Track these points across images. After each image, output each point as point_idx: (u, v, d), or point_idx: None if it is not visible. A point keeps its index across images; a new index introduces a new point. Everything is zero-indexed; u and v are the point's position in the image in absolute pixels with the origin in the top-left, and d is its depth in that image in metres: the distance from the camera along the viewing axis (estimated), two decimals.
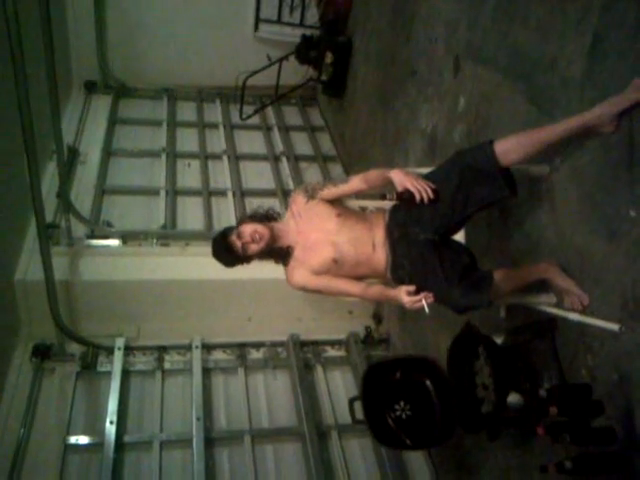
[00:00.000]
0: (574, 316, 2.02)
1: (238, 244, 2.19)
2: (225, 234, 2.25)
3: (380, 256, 2.22)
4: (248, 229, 2.20)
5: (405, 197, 2.01)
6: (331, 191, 2.28)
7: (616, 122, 1.85)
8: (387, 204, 2.27)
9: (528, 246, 2.36)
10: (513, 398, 2.07)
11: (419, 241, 2.11)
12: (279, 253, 2.29)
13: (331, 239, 2.22)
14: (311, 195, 2.29)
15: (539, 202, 2.28)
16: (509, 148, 1.93)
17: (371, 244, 2.22)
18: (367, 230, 2.25)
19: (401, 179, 2.02)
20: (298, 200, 2.31)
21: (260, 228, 2.20)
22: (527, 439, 2.33)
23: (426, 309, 1.91)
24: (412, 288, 1.98)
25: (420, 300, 1.92)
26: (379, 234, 2.23)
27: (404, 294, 1.97)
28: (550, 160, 2.17)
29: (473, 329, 2.23)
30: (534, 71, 2.30)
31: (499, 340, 2.25)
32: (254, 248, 2.19)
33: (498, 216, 2.57)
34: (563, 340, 2.14)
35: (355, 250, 2.21)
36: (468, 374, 2.16)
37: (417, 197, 1.97)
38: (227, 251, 2.22)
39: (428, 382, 2.36)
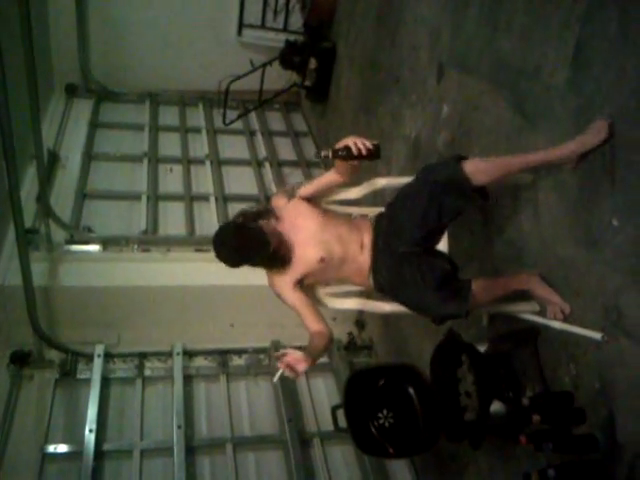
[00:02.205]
0: (557, 324, 2.03)
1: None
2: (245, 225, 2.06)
3: (366, 258, 2.19)
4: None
5: (341, 153, 1.98)
6: (309, 186, 2.26)
7: (576, 161, 1.97)
8: (371, 211, 2.28)
9: (511, 254, 2.37)
10: (496, 406, 2.07)
11: (398, 253, 2.11)
12: (281, 257, 2.13)
13: (317, 238, 2.15)
14: (291, 194, 2.25)
15: (522, 211, 2.29)
16: (479, 169, 1.95)
17: (359, 244, 2.19)
18: (354, 230, 2.22)
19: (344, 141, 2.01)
20: (279, 202, 2.24)
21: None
22: (510, 447, 2.33)
23: (276, 379, 1.98)
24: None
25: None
26: (367, 236, 2.21)
27: (297, 360, 1.91)
28: (533, 169, 2.18)
29: (456, 337, 2.23)
30: (518, 79, 2.31)
31: (482, 348, 2.25)
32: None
33: (481, 225, 2.58)
34: (546, 349, 2.14)
35: (342, 248, 2.17)
36: (451, 382, 2.16)
37: (354, 149, 1.95)
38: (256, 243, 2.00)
39: (411, 390, 2.35)
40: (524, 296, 2.17)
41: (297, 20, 5.26)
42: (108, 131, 5.09)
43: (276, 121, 5.67)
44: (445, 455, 2.94)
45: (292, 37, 5.07)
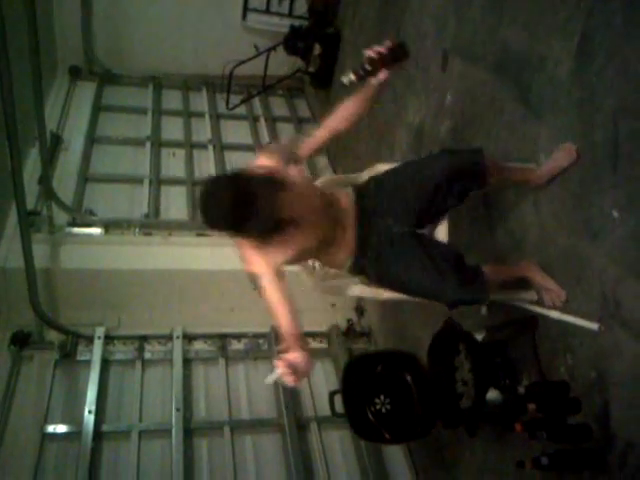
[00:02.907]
0: (554, 314, 2.04)
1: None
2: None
3: (349, 239, 2.00)
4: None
5: (367, 68, 1.73)
6: (308, 144, 1.91)
7: (546, 182, 2.08)
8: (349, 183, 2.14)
9: (511, 244, 2.37)
10: (492, 394, 2.09)
11: (394, 233, 2.00)
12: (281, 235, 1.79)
13: (310, 218, 1.86)
14: (289, 154, 1.86)
15: (523, 201, 2.29)
16: (494, 165, 2.00)
17: (338, 223, 1.98)
18: (335, 208, 1.99)
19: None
20: (271, 164, 1.83)
21: None
22: (505, 435, 2.35)
23: (270, 380, 1.72)
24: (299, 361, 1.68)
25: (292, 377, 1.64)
26: (348, 215, 2.00)
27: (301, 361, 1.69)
28: (536, 158, 2.18)
29: (454, 325, 2.24)
30: (522, 69, 2.31)
31: (480, 337, 2.27)
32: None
33: (482, 214, 2.58)
34: (543, 338, 2.15)
35: (328, 232, 1.94)
36: (448, 369, 2.18)
37: (375, 56, 1.73)
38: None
39: (408, 377, 2.36)
40: (522, 285, 2.18)
41: (302, 5, 5.23)
42: (111, 114, 5.08)
43: (279, 107, 5.65)
44: (441, 441, 2.97)
45: (297, 22, 5.05)
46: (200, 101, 5.47)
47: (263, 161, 1.84)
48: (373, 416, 2.38)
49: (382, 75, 1.78)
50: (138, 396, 3.36)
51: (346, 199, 2.05)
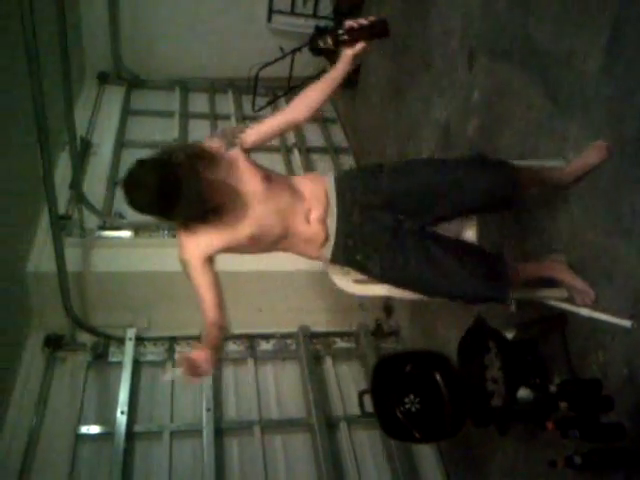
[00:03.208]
0: (585, 312, 2.01)
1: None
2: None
3: (317, 232, 1.91)
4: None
5: (345, 36, 1.72)
6: (256, 130, 1.85)
7: (576, 180, 2.06)
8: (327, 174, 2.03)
9: (540, 242, 2.35)
10: (523, 393, 2.06)
11: (406, 229, 1.93)
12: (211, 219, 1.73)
13: (251, 208, 1.78)
14: (231, 141, 1.81)
15: (553, 198, 2.26)
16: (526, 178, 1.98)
17: (304, 217, 1.89)
18: (298, 197, 1.89)
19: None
20: (215, 148, 1.78)
21: None
22: (536, 434, 2.33)
23: (167, 377, 1.62)
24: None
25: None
26: (318, 208, 1.90)
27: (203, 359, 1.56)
28: (565, 155, 2.16)
29: (483, 323, 2.22)
30: (550, 65, 2.28)
31: (509, 335, 2.25)
32: None
33: (510, 212, 2.55)
34: (574, 336, 2.13)
35: (281, 224, 1.85)
36: (478, 368, 2.16)
37: (355, 25, 1.72)
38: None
39: (438, 376, 2.35)
40: (552, 282, 2.16)
41: (327, 6, 5.23)
42: (139, 118, 5.14)
43: None
44: (471, 440, 2.94)
45: (322, 23, 5.04)
46: (226, 103, 5.49)
47: (209, 144, 1.79)
48: (403, 415, 2.37)
49: (359, 46, 1.76)
50: (169, 396, 3.39)
51: (318, 183, 1.98)
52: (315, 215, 1.90)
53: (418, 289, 2.00)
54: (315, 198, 1.92)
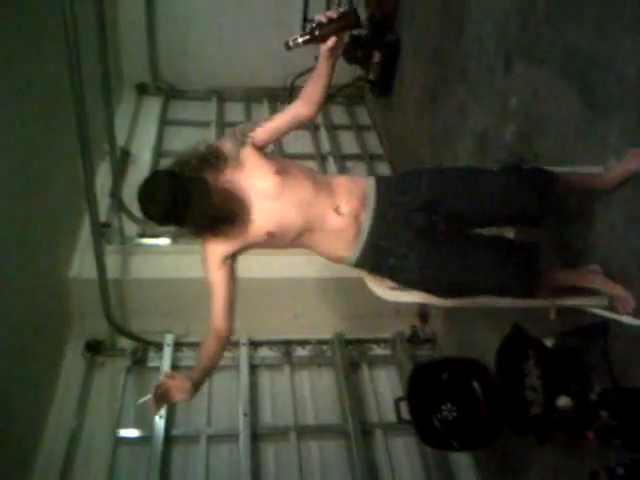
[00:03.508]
0: (627, 319, 1.98)
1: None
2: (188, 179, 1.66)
3: (348, 225, 1.88)
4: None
5: (312, 32, 1.66)
6: (266, 128, 1.83)
7: (616, 186, 2.04)
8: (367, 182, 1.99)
9: (580, 246, 2.32)
10: (562, 401, 2.04)
11: (440, 230, 1.90)
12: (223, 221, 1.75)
13: (268, 203, 1.79)
14: (242, 140, 1.81)
15: (593, 204, 2.23)
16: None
17: (332, 209, 1.86)
18: (326, 192, 1.87)
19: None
20: (226, 148, 1.80)
21: None
22: (577, 443, 2.29)
23: (141, 401, 1.66)
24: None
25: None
26: (351, 201, 1.88)
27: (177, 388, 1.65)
28: (605, 161, 2.13)
29: (522, 331, 2.21)
30: (588, 69, 2.26)
31: (548, 343, 2.22)
32: None
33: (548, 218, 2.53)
34: (616, 344, 2.09)
35: (302, 216, 1.83)
36: (516, 376, 2.14)
37: (323, 19, 1.65)
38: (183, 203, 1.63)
39: (475, 383, 2.34)
40: (592, 290, 2.13)
41: (360, 14, 5.24)
42: (176, 128, 5.22)
43: (340, 115, 5.67)
44: (509, 449, 2.91)
45: (356, 31, 5.06)
46: (262, 112, 5.53)
47: (222, 145, 1.81)
48: (439, 423, 2.37)
49: (330, 42, 1.68)
50: (206, 401, 3.43)
51: (360, 185, 1.95)
52: (347, 207, 1.88)
53: (454, 288, 1.99)
54: (349, 192, 1.90)
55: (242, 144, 1.80)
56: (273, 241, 1.86)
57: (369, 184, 1.97)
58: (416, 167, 2.09)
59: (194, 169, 1.68)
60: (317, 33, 1.66)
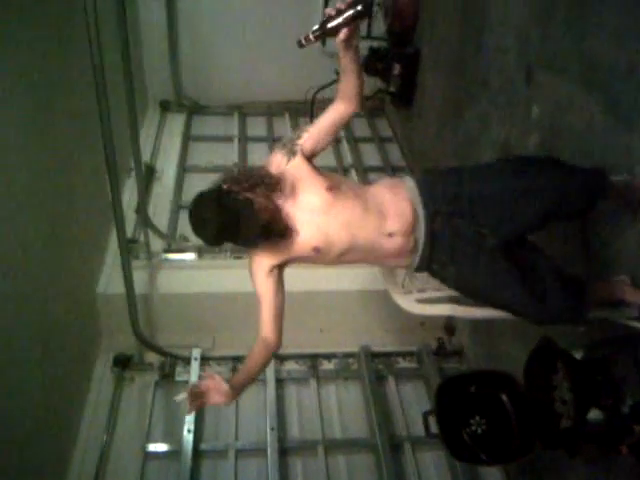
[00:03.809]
0: None
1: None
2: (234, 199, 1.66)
3: (402, 245, 1.89)
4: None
5: (323, 27, 1.62)
6: (311, 132, 1.82)
7: None
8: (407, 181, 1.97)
9: (607, 256, 2.30)
10: (593, 414, 2.01)
11: (488, 244, 1.89)
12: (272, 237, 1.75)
13: (316, 219, 1.79)
14: (291, 150, 1.80)
15: (620, 213, 2.21)
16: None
17: (381, 232, 1.85)
18: (374, 214, 1.85)
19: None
20: (277, 163, 1.80)
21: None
22: (611, 457, 2.26)
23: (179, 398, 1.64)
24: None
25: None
26: (401, 222, 1.87)
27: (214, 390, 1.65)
28: (630, 170, 2.11)
29: (551, 343, 2.18)
30: (610, 79, 2.25)
31: (578, 355, 2.20)
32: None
33: (577, 226, 2.51)
34: None
35: (348, 237, 1.83)
36: (546, 389, 2.12)
37: (332, 12, 1.62)
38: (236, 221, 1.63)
39: (504, 396, 2.32)
40: (622, 300, 2.10)
41: (380, 27, 5.28)
42: (200, 144, 5.29)
43: (361, 127, 5.69)
44: (540, 463, 2.87)
45: (375, 44, 5.09)
46: (283, 127, 5.59)
47: (272, 160, 1.82)
48: (468, 437, 2.35)
49: (342, 34, 1.63)
50: (234, 415, 3.43)
51: (405, 198, 1.92)
52: (397, 229, 1.87)
53: (494, 306, 2.00)
54: (398, 211, 1.88)
55: (292, 153, 1.79)
56: (318, 257, 1.86)
57: (413, 195, 1.92)
58: (453, 166, 2.04)
59: (240, 186, 1.68)
60: (327, 26, 1.62)
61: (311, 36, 1.62)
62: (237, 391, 1.71)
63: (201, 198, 1.70)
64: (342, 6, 1.62)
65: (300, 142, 1.80)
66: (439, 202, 1.91)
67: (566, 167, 2.00)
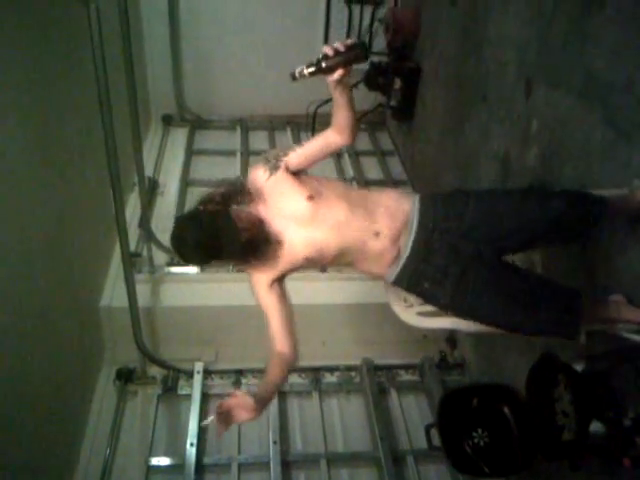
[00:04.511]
0: None
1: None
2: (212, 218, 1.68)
3: (387, 249, 1.89)
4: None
5: (318, 64, 1.63)
6: (298, 153, 1.83)
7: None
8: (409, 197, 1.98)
9: (609, 275, 2.30)
10: (595, 427, 2.02)
11: (483, 260, 1.90)
12: (259, 250, 1.76)
13: (303, 229, 1.81)
14: (274, 166, 1.81)
15: (619, 227, 2.23)
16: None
17: (370, 232, 1.86)
18: (362, 214, 1.86)
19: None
20: (258, 177, 1.81)
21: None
22: (613, 470, 2.25)
23: (206, 422, 1.64)
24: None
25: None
26: (390, 224, 1.88)
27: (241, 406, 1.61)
28: (629, 183, 2.13)
29: (552, 356, 2.19)
30: (609, 93, 2.27)
31: (579, 367, 2.20)
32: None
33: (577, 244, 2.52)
34: None
35: (337, 239, 1.83)
36: (547, 401, 2.13)
37: (329, 52, 1.62)
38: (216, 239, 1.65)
39: (506, 409, 2.33)
40: (618, 320, 2.11)
41: (381, 42, 5.32)
42: (203, 158, 5.32)
43: (362, 141, 5.72)
44: (543, 476, 2.87)
45: (376, 58, 5.13)
46: (285, 140, 5.62)
47: (253, 175, 1.83)
48: (471, 450, 2.35)
49: (336, 74, 1.66)
50: (236, 429, 3.42)
51: (403, 206, 1.94)
52: (388, 231, 1.88)
53: (488, 322, 1.98)
54: (389, 215, 1.89)
55: (275, 169, 1.80)
56: (312, 264, 1.89)
57: (414, 208, 1.94)
58: (461, 189, 2.05)
59: (218, 204, 1.71)
60: (323, 65, 1.63)
61: (305, 72, 1.64)
62: (262, 405, 1.67)
63: (179, 221, 1.72)
64: (341, 48, 1.63)
65: (285, 159, 1.83)
66: (438, 220, 1.91)
67: (567, 197, 2.00)
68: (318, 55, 1.65)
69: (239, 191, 1.79)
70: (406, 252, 1.90)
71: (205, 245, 1.65)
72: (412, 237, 1.90)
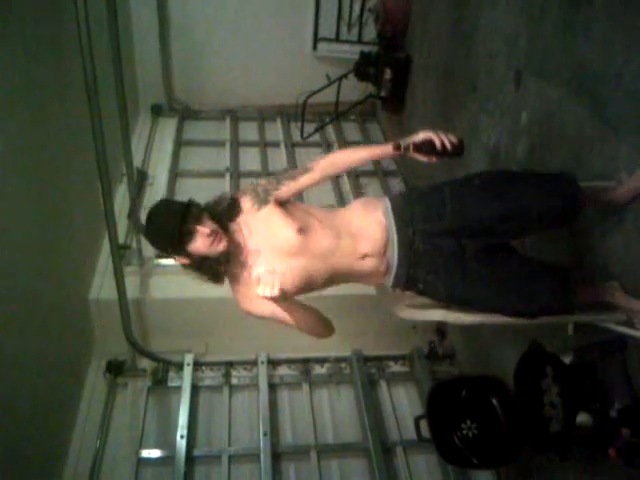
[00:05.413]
0: None
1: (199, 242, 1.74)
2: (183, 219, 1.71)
3: (375, 266, 1.93)
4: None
5: (424, 148, 1.80)
6: (290, 188, 1.86)
7: (630, 201, 2.06)
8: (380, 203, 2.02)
9: (596, 264, 2.32)
10: (582, 418, 2.04)
11: (469, 254, 1.92)
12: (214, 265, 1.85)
13: (291, 263, 1.82)
14: (264, 199, 1.83)
15: (607, 219, 2.24)
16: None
17: (355, 256, 1.90)
18: (346, 239, 1.89)
19: (423, 135, 1.82)
20: (246, 208, 1.85)
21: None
22: (600, 460, 2.28)
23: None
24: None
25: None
26: (371, 243, 1.91)
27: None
28: (617, 176, 2.14)
29: (540, 347, 2.21)
30: (598, 85, 2.27)
31: (567, 359, 2.22)
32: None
33: (564, 234, 2.53)
34: (634, 359, 2.09)
35: (325, 267, 1.87)
36: (535, 393, 2.14)
37: (437, 144, 1.78)
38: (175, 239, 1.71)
39: (495, 401, 2.34)
40: (609, 306, 2.13)
41: (371, 31, 5.31)
42: (192, 148, 5.28)
43: (353, 132, 5.72)
44: (531, 466, 2.89)
45: (367, 48, 5.12)
46: (275, 131, 5.61)
47: (242, 202, 1.86)
48: (460, 441, 2.37)
49: (430, 160, 1.84)
50: (226, 421, 3.45)
51: (377, 219, 1.96)
52: (369, 251, 1.91)
53: (486, 310, 2.01)
54: (368, 234, 1.92)
55: (264, 202, 1.83)
56: (304, 290, 1.89)
57: (387, 215, 1.96)
58: (434, 184, 2.06)
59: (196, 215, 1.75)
60: (427, 149, 1.81)
61: (410, 147, 1.82)
62: (291, 304, 1.76)
63: (152, 207, 1.80)
64: (448, 144, 1.78)
65: (277, 193, 1.85)
66: (416, 223, 1.93)
67: (542, 180, 2.02)
68: (423, 138, 1.83)
69: (234, 212, 1.84)
70: (394, 263, 1.95)
71: (151, 237, 1.77)
72: (396, 249, 1.94)
